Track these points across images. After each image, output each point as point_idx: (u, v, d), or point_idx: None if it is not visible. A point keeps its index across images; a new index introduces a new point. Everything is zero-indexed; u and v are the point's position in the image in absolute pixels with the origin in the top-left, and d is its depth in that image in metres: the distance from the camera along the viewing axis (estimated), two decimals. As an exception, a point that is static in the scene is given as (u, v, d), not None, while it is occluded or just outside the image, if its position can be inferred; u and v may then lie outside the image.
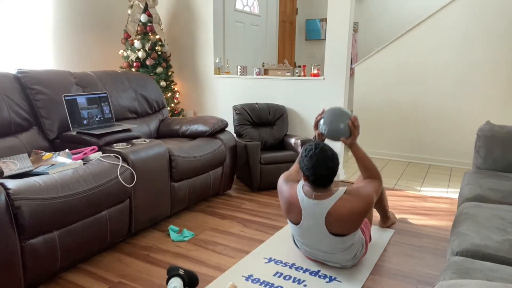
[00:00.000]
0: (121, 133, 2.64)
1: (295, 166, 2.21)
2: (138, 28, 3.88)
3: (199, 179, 2.93)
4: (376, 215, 2.88)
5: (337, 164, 1.87)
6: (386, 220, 2.66)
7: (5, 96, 2.44)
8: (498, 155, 2.43)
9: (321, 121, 2.12)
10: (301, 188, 1.98)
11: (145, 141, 2.63)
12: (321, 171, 1.83)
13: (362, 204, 1.87)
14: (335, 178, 3.81)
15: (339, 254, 2.00)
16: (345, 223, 1.87)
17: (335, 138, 2.10)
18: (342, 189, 1.93)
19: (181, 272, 1.89)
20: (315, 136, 2.18)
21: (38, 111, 2.59)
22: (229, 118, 4.28)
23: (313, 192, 1.91)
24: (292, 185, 2.03)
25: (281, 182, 2.10)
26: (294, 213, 1.99)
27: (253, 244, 2.42)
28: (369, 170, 2.09)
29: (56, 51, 3.56)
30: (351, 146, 2.09)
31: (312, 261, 2.21)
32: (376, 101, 4.68)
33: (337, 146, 3.73)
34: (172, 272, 1.89)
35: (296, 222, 2.00)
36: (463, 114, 4.24)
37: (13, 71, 2.72)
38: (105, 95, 2.92)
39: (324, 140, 2.17)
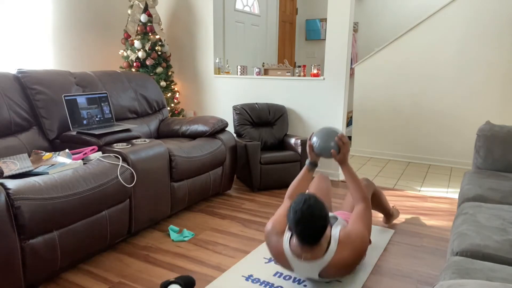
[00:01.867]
0: (121, 133, 2.64)
1: (281, 209, 2.01)
2: (138, 28, 3.88)
3: (199, 179, 2.93)
4: (378, 215, 2.88)
5: (325, 224, 1.68)
6: (389, 218, 2.67)
7: (5, 96, 2.44)
8: (498, 155, 2.43)
9: (313, 138, 2.12)
10: (288, 245, 1.81)
11: (145, 141, 2.63)
12: (304, 229, 1.66)
13: (358, 251, 1.78)
14: (335, 179, 3.81)
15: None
16: (341, 271, 1.79)
17: (326, 151, 2.06)
18: (334, 243, 1.77)
19: (172, 279, 1.88)
20: (308, 159, 2.15)
21: (38, 111, 2.59)
22: (229, 118, 4.28)
23: (302, 252, 1.75)
24: (278, 240, 1.86)
25: (268, 232, 1.93)
26: (284, 265, 1.88)
27: (253, 244, 2.42)
28: (360, 190, 2.03)
29: (56, 51, 3.56)
30: (342, 163, 2.06)
31: None
32: (376, 101, 4.68)
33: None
34: (165, 283, 1.87)
35: (287, 269, 1.91)
36: (463, 114, 4.24)
37: (13, 71, 2.72)
38: (105, 95, 2.92)
39: (318, 159, 2.13)
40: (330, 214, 2.09)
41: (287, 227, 1.84)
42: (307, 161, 2.14)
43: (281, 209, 2.01)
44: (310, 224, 1.65)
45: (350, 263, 1.77)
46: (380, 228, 2.65)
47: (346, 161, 2.06)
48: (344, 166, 2.07)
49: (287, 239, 1.83)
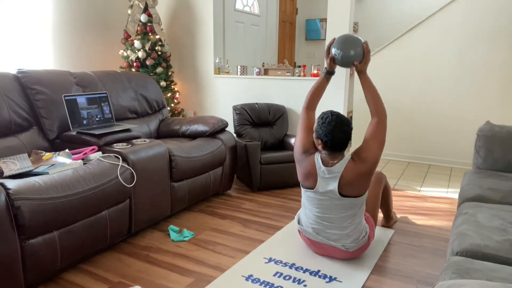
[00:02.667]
0: (121, 133, 2.64)
1: (301, 133, 2.24)
2: (138, 28, 3.88)
3: (199, 179, 2.93)
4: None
5: (351, 128, 2.06)
6: (389, 220, 2.69)
7: (5, 96, 2.44)
8: (498, 155, 2.43)
9: (333, 48, 2.13)
10: (319, 157, 2.12)
11: (145, 141, 2.63)
12: (338, 135, 2.01)
13: (367, 167, 2.02)
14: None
15: (345, 225, 2.08)
16: (355, 185, 2.03)
17: (348, 63, 2.12)
18: (348, 156, 2.09)
19: None
20: (325, 67, 2.22)
21: (38, 111, 2.59)
22: (229, 118, 4.28)
23: (329, 160, 2.08)
24: (310, 157, 2.15)
25: (299, 154, 2.19)
26: (310, 180, 2.13)
27: (253, 244, 2.42)
28: (375, 102, 2.12)
29: (56, 51, 3.56)
30: (362, 72, 2.14)
31: (313, 248, 2.23)
32: (376, 101, 4.67)
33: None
34: None
35: (312, 187, 2.13)
36: (463, 114, 4.24)
37: (13, 71, 2.72)
38: (105, 95, 2.92)
39: (335, 67, 2.21)
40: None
41: (319, 148, 2.11)
42: (324, 70, 2.23)
43: (302, 125, 2.24)
44: (341, 129, 2.00)
45: (360, 175, 2.01)
46: (380, 228, 2.65)
47: (366, 70, 2.15)
48: (363, 76, 2.15)
49: (318, 155, 2.13)
